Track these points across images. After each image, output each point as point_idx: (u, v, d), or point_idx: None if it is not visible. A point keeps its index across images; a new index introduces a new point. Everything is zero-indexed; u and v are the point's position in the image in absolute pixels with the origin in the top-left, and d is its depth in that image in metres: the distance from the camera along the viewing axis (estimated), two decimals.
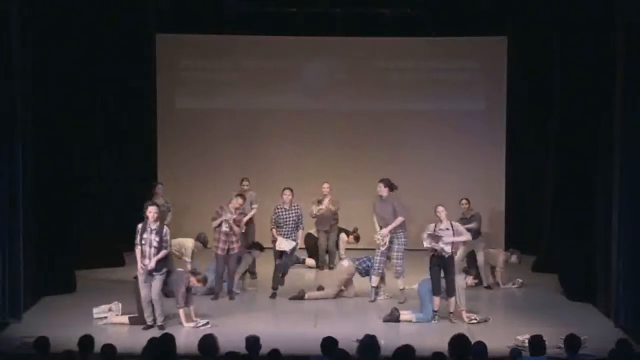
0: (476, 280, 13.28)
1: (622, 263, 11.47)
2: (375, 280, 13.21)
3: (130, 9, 15.81)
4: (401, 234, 13.12)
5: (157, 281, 11.59)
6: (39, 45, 12.59)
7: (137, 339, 10.37)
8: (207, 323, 11.69)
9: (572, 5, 13.62)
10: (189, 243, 14.40)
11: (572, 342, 8.76)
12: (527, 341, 9.25)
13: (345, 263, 13.55)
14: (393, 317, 12.08)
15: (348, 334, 9.81)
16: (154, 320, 11.60)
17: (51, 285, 13.06)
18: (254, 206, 14.73)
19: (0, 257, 11.31)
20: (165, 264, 11.73)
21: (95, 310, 12.03)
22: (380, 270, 13.17)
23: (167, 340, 8.53)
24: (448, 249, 11.98)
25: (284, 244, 13.43)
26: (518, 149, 16.74)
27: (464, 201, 14.44)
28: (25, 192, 11.74)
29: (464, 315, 12.10)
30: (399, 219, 12.94)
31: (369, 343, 8.24)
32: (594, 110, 12.72)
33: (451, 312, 12.15)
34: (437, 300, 12.08)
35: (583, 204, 13.20)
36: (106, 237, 15.24)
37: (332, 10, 16.50)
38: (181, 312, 11.74)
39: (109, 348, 8.47)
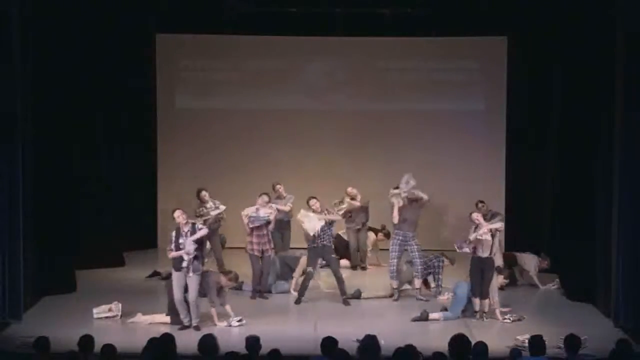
0: (507, 281, 13.26)
1: (622, 263, 11.48)
2: (396, 283, 13.30)
3: (130, 9, 15.78)
4: (415, 236, 13.33)
5: (194, 282, 11.62)
6: (39, 45, 12.59)
7: (137, 339, 10.36)
8: (241, 320, 11.81)
9: (572, 5, 13.62)
10: (207, 245, 14.39)
11: (572, 342, 8.76)
12: (527, 341, 9.25)
13: (405, 267, 13.56)
14: (422, 317, 12.20)
15: (348, 334, 9.81)
16: (190, 320, 11.64)
17: (51, 285, 13.06)
18: (289, 204, 14.71)
19: (0, 257, 11.33)
20: (201, 263, 11.76)
21: (95, 310, 12.05)
22: (395, 273, 13.30)
23: (167, 340, 8.54)
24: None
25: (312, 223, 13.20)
26: (518, 149, 16.72)
27: (480, 204, 14.55)
28: (25, 192, 11.74)
29: (498, 312, 12.22)
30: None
31: (369, 343, 8.25)
32: (594, 110, 12.73)
33: (485, 312, 12.22)
34: (477, 300, 12.20)
35: (583, 204, 13.21)
36: (106, 237, 15.24)
37: (332, 10, 16.46)
38: (213, 311, 11.83)
39: (109, 348, 8.47)
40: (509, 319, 12.13)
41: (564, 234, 13.96)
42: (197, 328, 11.51)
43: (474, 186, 16.27)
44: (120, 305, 12.12)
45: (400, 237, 13.26)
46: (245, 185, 15.66)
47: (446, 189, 16.44)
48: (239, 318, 11.85)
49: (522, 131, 16.65)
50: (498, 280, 12.56)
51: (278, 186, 14.88)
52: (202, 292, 11.85)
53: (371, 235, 15.59)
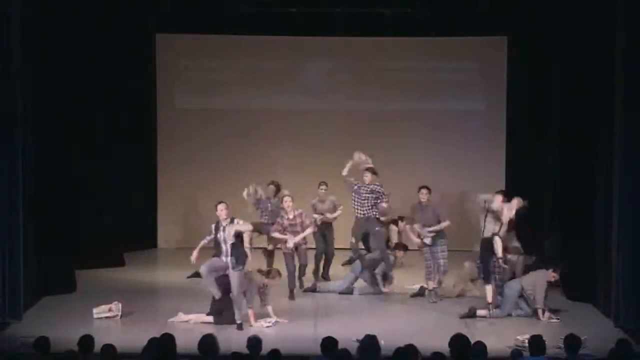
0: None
1: (622, 263, 11.48)
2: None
3: (130, 9, 15.79)
4: (443, 234, 13.23)
5: (236, 277, 11.53)
6: (39, 45, 12.59)
7: (137, 339, 10.36)
8: (276, 322, 11.84)
9: (572, 5, 13.62)
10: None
11: (572, 342, 8.76)
12: (527, 341, 9.25)
13: (467, 264, 13.56)
14: (470, 313, 12.18)
15: (348, 334, 9.82)
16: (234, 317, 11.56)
17: (51, 285, 13.06)
18: (340, 208, 14.61)
19: (0, 257, 11.32)
20: (243, 260, 11.65)
21: (95, 310, 12.04)
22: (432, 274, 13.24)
23: (167, 340, 8.54)
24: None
25: None
26: (518, 149, 16.73)
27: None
28: (25, 192, 11.74)
29: (540, 313, 12.15)
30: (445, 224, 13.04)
31: (369, 343, 8.26)
32: (594, 110, 12.72)
33: (489, 303, 12.19)
34: (489, 287, 12.19)
35: (583, 203, 13.20)
36: (106, 237, 15.23)
37: (332, 10, 16.47)
38: (250, 312, 11.74)
39: (109, 348, 8.47)
40: (555, 320, 12.11)
41: (564, 233, 13.96)
42: (239, 327, 11.46)
43: (474, 186, 16.21)
44: (120, 305, 12.11)
45: None
46: (245, 185, 15.62)
47: (446, 189, 16.40)
48: (274, 320, 11.86)
49: (522, 131, 16.65)
50: (552, 276, 12.34)
51: (322, 186, 14.71)
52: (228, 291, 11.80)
53: (393, 228, 15.55)
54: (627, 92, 11.42)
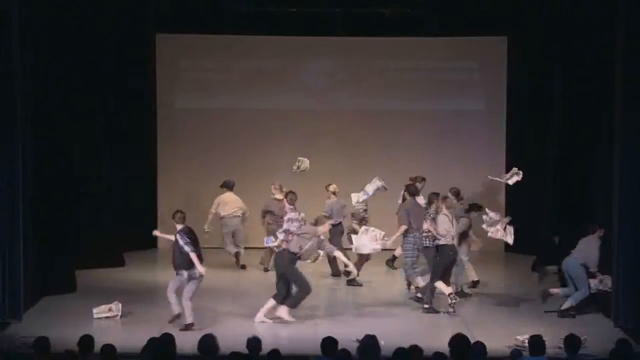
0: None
1: (622, 263, 11.49)
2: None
3: (130, 9, 15.83)
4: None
5: (192, 285, 11.49)
6: (39, 45, 12.60)
7: (137, 339, 10.37)
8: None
9: (572, 5, 13.64)
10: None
11: (572, 342, 8.77)
12: (527, 341, 9.26)
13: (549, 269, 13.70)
14: (546, 294, 12.52)
15: (348, 333, 9.82)
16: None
17: (51, 285, 13.07)
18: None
19: (1, 257, 11.33)
20: (189, 265, 11.46)
21: (95, 310, 12.05)
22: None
23: (167, 340, 8.54)
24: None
25: None
26: (518, 149, 16.74)
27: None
28: (25, 192, 11.75)
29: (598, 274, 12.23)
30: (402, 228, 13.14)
31: (369, 343, 8.26)
32: (594, 110, 12.74)
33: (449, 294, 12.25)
34: (440, 285, 12.34)
35: (583, 204, 13.21)
36: (106, 237, 15.25)
37: (332, 10, 16.52)
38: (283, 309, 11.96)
39: (109, 348, 8.47)
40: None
41: (564, 233, 13.96)
42: (188, 327, 11.34)
43: (474, 186, 16.26)
44: (120, 305, 12.13)
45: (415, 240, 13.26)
46: (244, 185, 15.65)
47: (445, 189, 16.41)
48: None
49: (522, 131, 16.66)
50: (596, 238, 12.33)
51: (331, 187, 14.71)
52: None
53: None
54: (627, 92, 11.43)
